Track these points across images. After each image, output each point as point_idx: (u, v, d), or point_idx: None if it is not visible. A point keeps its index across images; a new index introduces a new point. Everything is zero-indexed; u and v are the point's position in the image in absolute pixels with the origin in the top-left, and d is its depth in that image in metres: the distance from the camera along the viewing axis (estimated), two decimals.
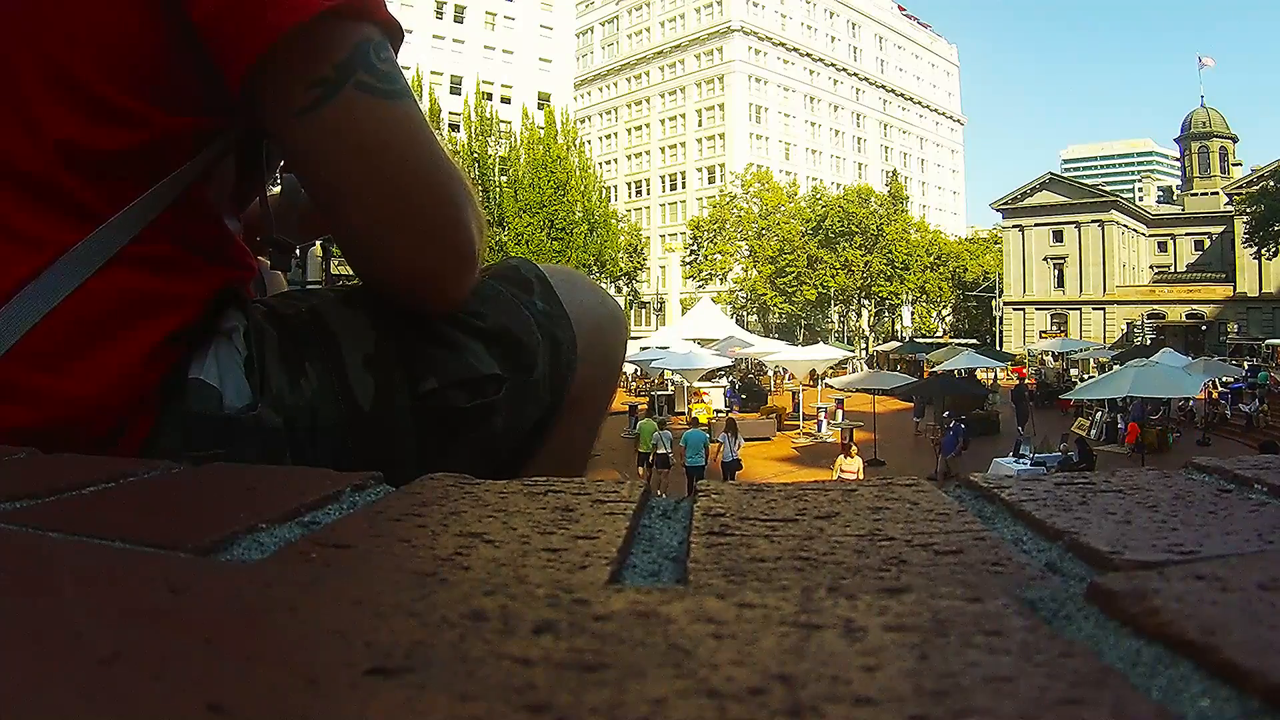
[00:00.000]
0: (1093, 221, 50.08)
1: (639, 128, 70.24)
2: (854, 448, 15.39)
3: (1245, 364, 33.36)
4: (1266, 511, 0.41)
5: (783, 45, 67.01)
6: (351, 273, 0.82)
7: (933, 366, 30.27)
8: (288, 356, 0.73)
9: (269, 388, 0.70)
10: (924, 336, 49.63)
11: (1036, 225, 51.85)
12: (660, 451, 15.80)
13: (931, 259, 50.75)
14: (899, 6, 79.64)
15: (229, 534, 0.38)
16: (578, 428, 0.92)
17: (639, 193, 68.94)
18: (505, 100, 49.85)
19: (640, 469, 15.92)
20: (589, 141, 58.69)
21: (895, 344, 45.04)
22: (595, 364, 0.90)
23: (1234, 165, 54.50)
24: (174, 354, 0.70)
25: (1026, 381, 29.92)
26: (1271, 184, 38.25)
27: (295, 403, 0.71)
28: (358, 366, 0.73)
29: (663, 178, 67.75)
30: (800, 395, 26.03)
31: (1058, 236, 51.49)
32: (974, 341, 42.94)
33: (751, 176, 51.51)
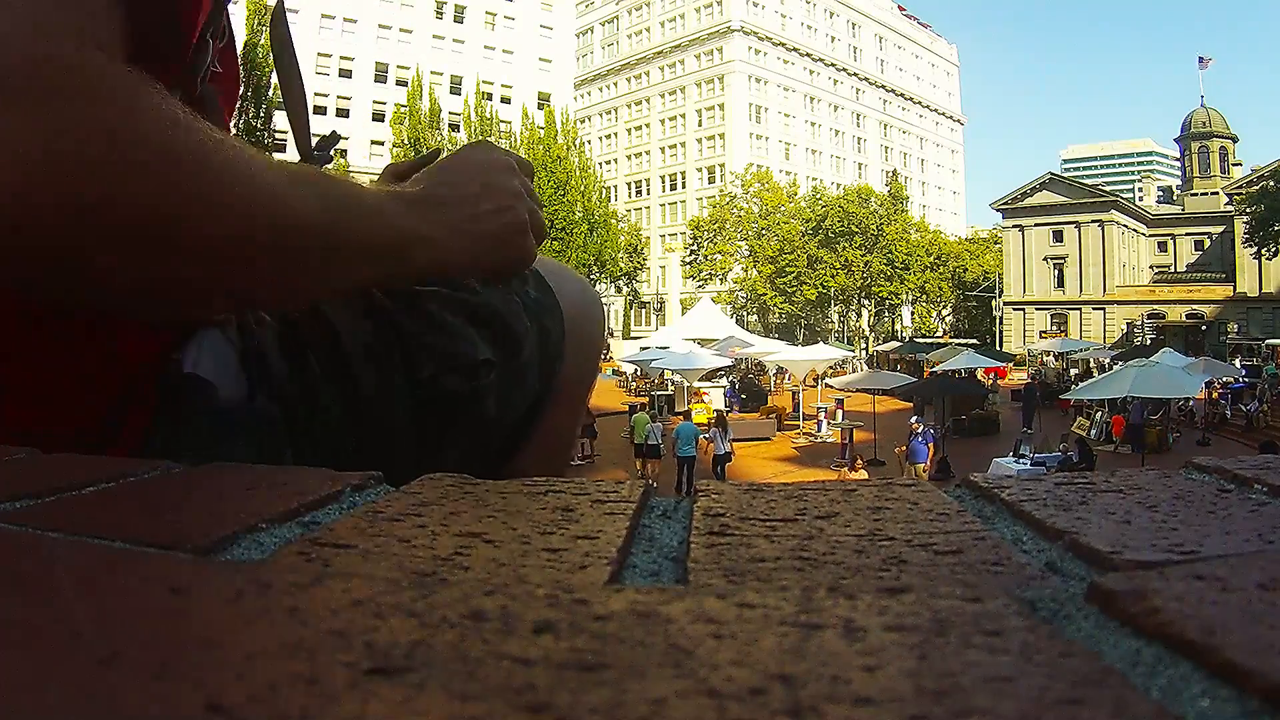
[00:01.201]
0: (1093, 221, 50.10)
1: (639, 128, 70.27)
2: (860, 460, 15.32)
3: (1252, 362, 33.40)
4: (1266, 511, 0.41)
5: (783, 45, 67.03)
6: None
7: (933, 366, 30.27)
8: (287, 348, 0.71)
9: (268, 380, 0.69)
10: (924, 336, 49.65)
11: (1036, 225, 51.87)
12: (650, 443, 16.97)
13: (931, 259, 50.80)
14: (899, 6, 79.67)
15: (229, 534, 0.38)
16: (564, 416, 0.92)
17: (639, 193, 68.97)
18: (505, 100, 49.89)
19: (638, 460, 17.17)
20: (589, 141, 58.75)
21: (895, 344, 45.05)
22: (579, 352, 0.91)
23: (1234, 165, 54.50)
24: (156, 342, 0.67)
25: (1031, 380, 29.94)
26: (1271, 184, 38.26)
27: (295, 395, 0.69)
28: (359, 357, 0.72)
29: (663, 178, 67.77)
30: (800, 395, 26.04)
31: (1058, 236, 51.51)
32: (974, 341, 42.96)
33: (751, 176, 51.57)
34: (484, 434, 0.80)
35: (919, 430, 16.52)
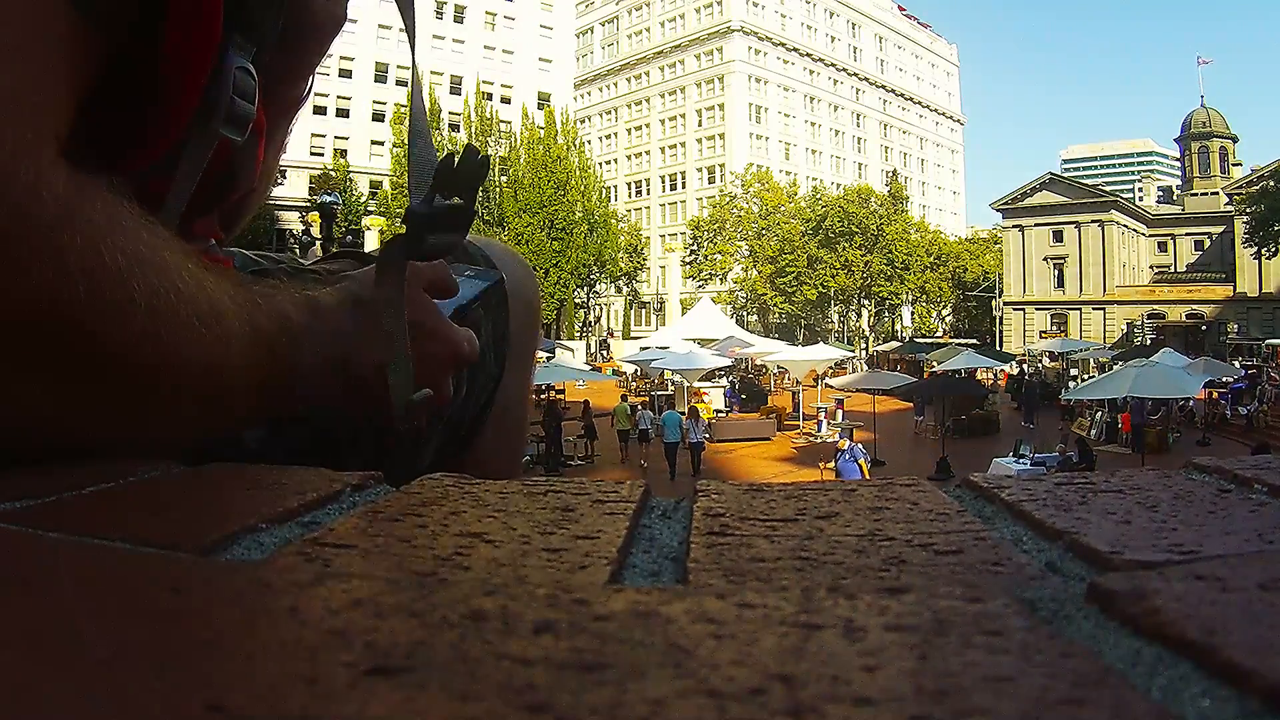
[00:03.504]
0: (1093, 221, 50.10)
1: (639, 128, 70.28)
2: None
3: (1244, 363, 33.39)
4: (1266, 511, 0.41)
5: (783, 45, 67.04)
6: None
7: (933, 366, 30.28)
8: None
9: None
10: (924, 336, 49.67)
11: (1036, 225, 51.88)
12: (642, 428, 19.80)
13: (931, 259, 50.84)
14: (899, 6, 79.70)
15: (229, 534, 0.38)
16: (513, 378, 0.94)
17: (639, 193, 68.99)
18: (505, 100, 49.91)
19: (622, 445, 20.22)
20: (589, 141, 58.76)
21: (895, 344, 45.08)
22: (523, 322, 0.93)
23: (1234, 165, 54.50)
24: None
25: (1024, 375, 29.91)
26: (1271, 184, 38.27)
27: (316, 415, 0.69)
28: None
29: (663, 178, 67.79)
30: (800, 395, 26.04)
31: (1058, 236, 51.53)
32: (974, 341, 42.96)
33: (751, 176, 51.61)
34: (456, 419, 0.82)
35: (846, 447, 14.92)
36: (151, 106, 0.58)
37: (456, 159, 0.62)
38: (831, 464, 14.80)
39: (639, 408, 21.55)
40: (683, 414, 19.66)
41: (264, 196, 0.83)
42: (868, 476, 14.68)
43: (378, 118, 46.35)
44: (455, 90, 47.07)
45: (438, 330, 0.66)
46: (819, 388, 25.93)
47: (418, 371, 0.64)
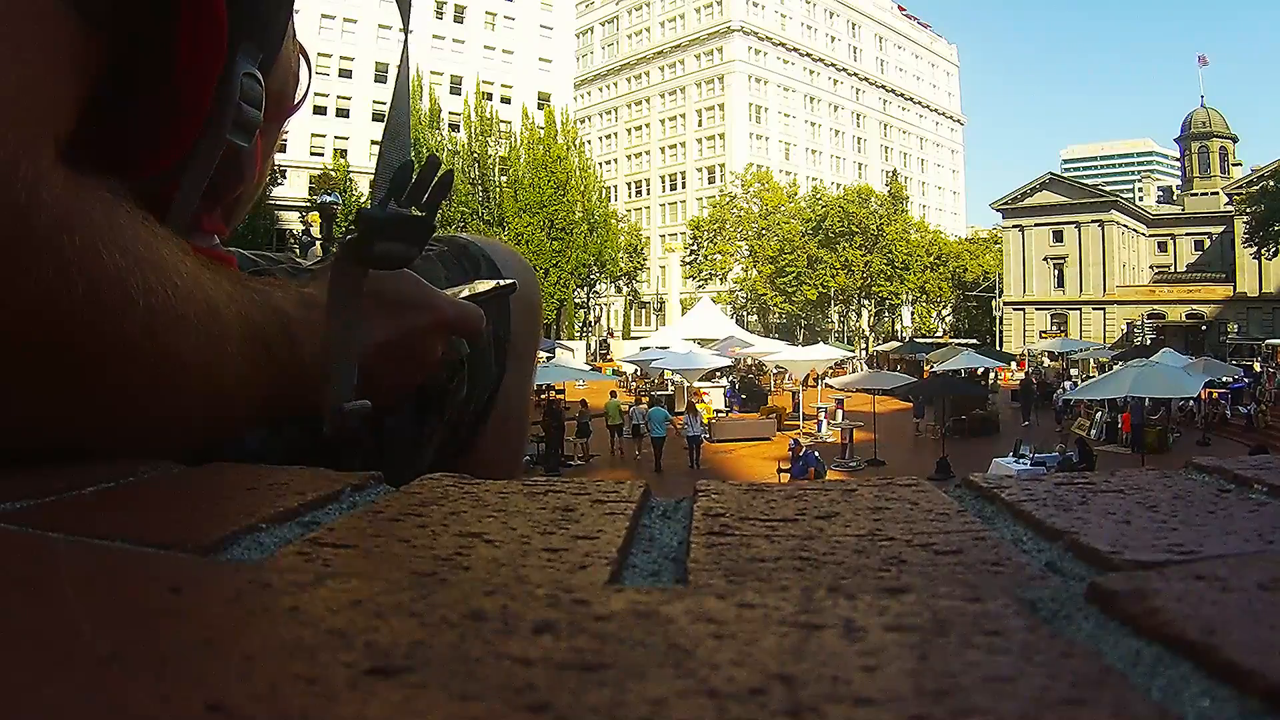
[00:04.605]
0: (1093, 221, 50.12)
1: (639, 128, 70.30)
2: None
3: (1254, 364, 33.40)
4: (1266, 511, 0.41)
5: (783, 45, 67.06)
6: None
7: (932, 366, 30.29)
8: None
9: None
10: (924, 336, 49.69)
11: (1036, 225, 51.90)
12: (634, 423, 21.15)
13: (931, 259, 50.87)
14: (899, 6, 79.73)
15: (229, 534, 0.38)
16: (514, 378, 0.94)
17: (639, 193, 69.01)
18: (505, 100, 49.91)
19: (613, 440, 21.30)
20: (589, 141, 58.76)
21: (895, 344, 45.10)
22: (524, 322, 0.93)
23: (1234, 165, 54.51)
24: None
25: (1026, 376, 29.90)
26: (1271, 184, 38.27)
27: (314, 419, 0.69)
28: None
29: (663, 178, 67.82)
30: (800, 395, 26.05)
31: (1058, 236, 51.54)
32: (974, 341, 42.98)
33: (751, 176, 51.63)
34: (456, 419, 0.82)
35: (802, 453, 14.72)
36: (163, 114, 0.58)
37: (416, 167, 0.61)
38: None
39: (630, 405, 22.63)
40: (680, 413, 20.42)
41: (261, 186, 0.84)
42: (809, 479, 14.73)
43: (378, 118, 46.29)
44: (455, 90, 47.08)
45: (422, 299, 0.67)
46: (819, 388, 25.94)
47: (409, 344, 0.65)
